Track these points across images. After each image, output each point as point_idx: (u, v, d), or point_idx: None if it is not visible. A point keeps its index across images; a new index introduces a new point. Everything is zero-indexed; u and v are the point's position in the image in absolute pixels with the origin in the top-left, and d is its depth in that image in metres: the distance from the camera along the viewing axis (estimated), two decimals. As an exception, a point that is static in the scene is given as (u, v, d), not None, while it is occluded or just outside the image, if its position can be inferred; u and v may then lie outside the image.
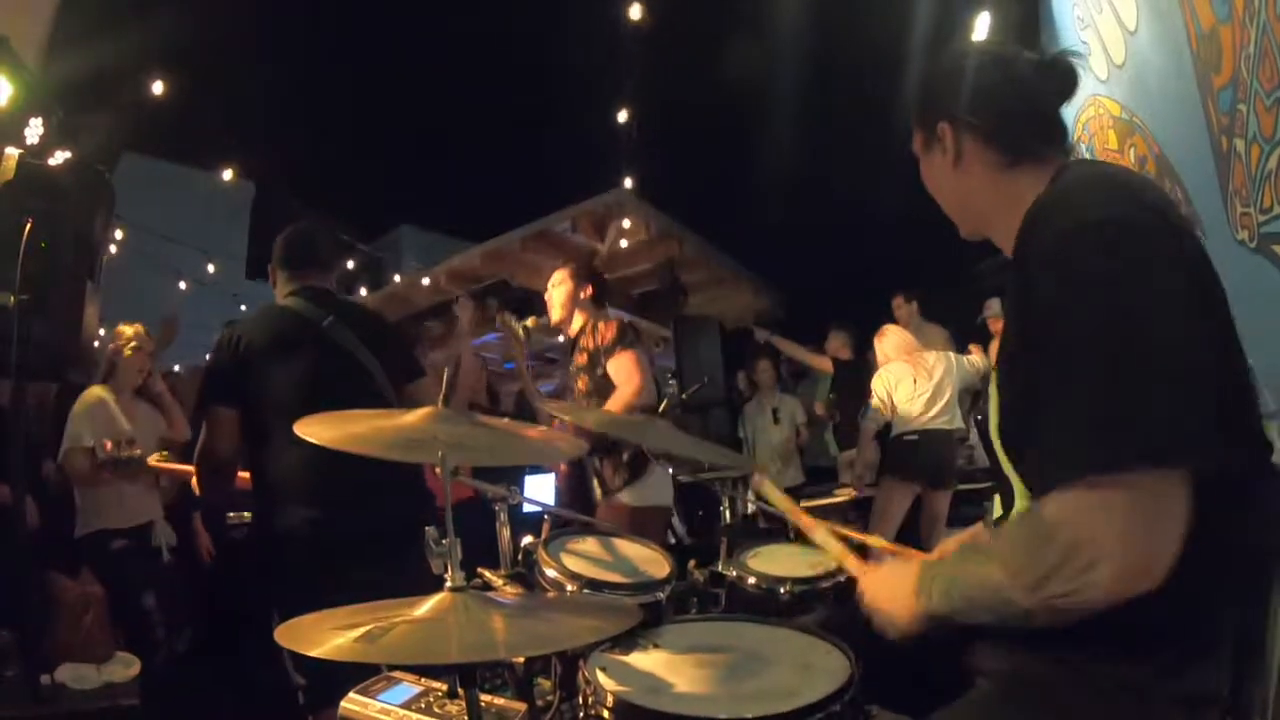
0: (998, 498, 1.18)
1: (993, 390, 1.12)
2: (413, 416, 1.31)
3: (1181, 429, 0.84)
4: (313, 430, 1.24)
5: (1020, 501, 1.09)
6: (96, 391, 3.34)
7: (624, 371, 2.94)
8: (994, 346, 5.02)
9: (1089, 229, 0.91)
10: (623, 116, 6.84)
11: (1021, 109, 1.12)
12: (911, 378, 4.37)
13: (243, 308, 12.04)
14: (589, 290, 3.21)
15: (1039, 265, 0.93)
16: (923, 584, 1.04)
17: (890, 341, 4.61)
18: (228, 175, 7.80)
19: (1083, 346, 0.87)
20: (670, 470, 3.16)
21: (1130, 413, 0.84)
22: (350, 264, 12.37)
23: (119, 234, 8.18)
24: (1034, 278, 0.93)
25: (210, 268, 12.25)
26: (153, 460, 3.20)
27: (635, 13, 5.38)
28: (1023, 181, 1.10)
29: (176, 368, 5.92)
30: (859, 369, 5.45)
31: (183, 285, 12.10)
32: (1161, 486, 0.83)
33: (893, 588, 1.11)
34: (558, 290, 3.24)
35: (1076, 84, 1.14)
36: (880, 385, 4.44)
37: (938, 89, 1.19)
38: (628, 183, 7.57)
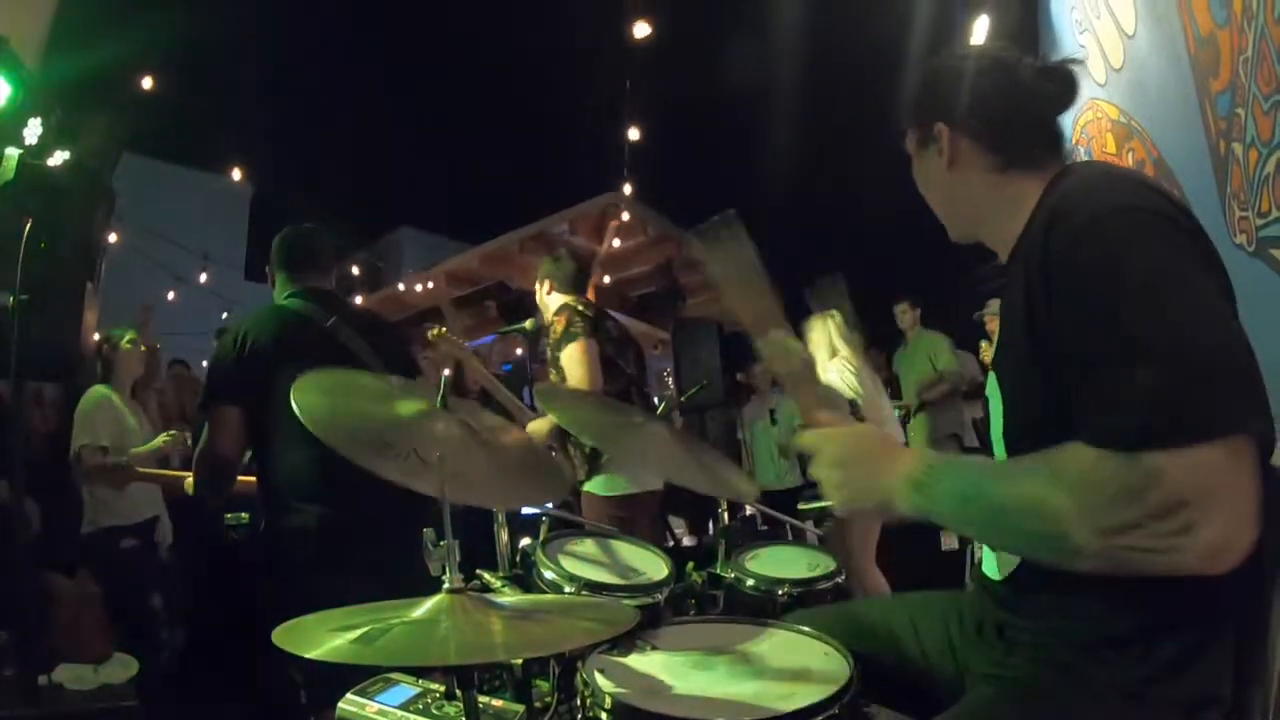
0: None
1: (991, 392, 1.12)
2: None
3: (1263, 400, 0.84)
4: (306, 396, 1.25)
5: None
6: (100, 390, 3.34)
7: (571, 364, 2.92)
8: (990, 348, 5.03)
9: (1124, 211, 0.90)
10: (621, 119, 6.86)
11: (1020, 114, 1.12)
12: (870, 381, 4.21)
13: (227, 313, 12.06)
14: (548, 286, 3.22)
15: (1071, 248, 0.91)
16: (926, 474, 0.96)
17: (834, 332, 4.31)
18: (227, 176, 7.81)
19: (1146, 319, 0.84)
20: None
21: (1235, 380, 0.83)
22: (355, 269, 12.41)
23: (118, 235, 8.19)
24: (1063, 263, 0.92)
25: (208, 269, 12.27)
26: (144, 470, 3.20)
27: (635, 16, 5.39)
28: (1016, 186, 1.10)
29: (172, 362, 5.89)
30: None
31: (174, 293, 12.10)
32: (1251, 456, 0.81)
33: (875, 458, 1.03)
34: (539, 294, 3.30)
35: (1076, 92, 1.13)
36: (851, 379, 4.14)
37: (936, 89, 1.18)
38: (626, 185, 7.58)
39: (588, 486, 2.97)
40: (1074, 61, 1.14)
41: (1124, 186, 0.95)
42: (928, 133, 1.18)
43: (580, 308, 3.05)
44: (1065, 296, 0.91)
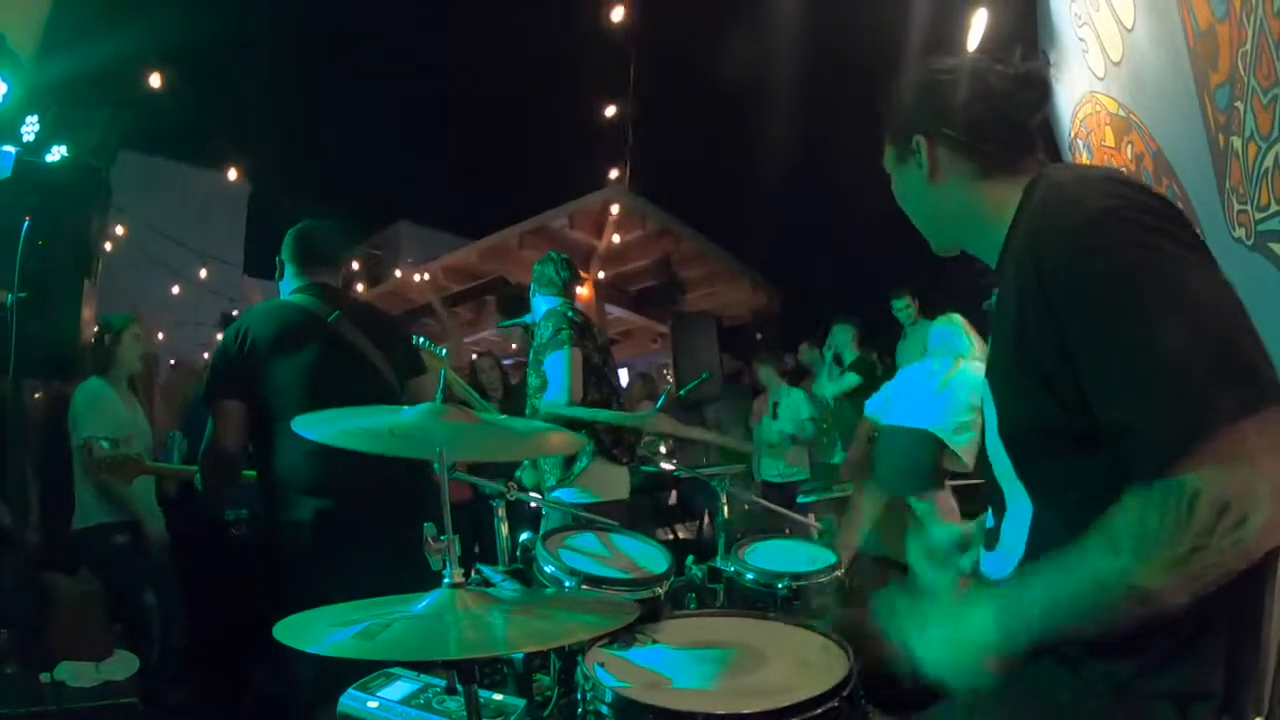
0: (991, 508, 1.18)
1: (985, 398, 1.12)
2: (411, 413, 1.31)
3: (1270, 368, 0.85)
4: (311, 427, 1.25)
5: (1018, 506, 1.08)
6: (96, 382, 3.32)
7: (555, 371, 2.92)
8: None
9: (1107, 215, 0.91)
10: (620, 112, 6.84)
11: (995, 120, 1.13)
12: None
13: (235, 312, 12.02)
14: (535, 288, 3.25)
15: (1065, 257, 0.93)
16: (1009, 618, 0.96)
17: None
18: (225, 173, 7.79)
19: (1152, 316, 0.86)
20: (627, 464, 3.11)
21: (1231, 361, 0.84)
22: (355, 264, 12.39)
23: (116, 231, 8.17)
24: (1058, 272, 0.93)
25: (206, 265, 12.25)
26: (151, 464, 3.17)
27: (632, 9, 5.39)
28: (998, 191, 1.11)
29: (172, 362, 5.91)
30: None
31: (177, 288, 12.09)
32: (1275, 421, 0.82)
33: (955, 638, 1.01)
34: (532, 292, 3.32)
35: (1050, 95, 1.16)
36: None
37: (912, 103, 1.20)
38: (625, 179, 7.56)
39: (557, 493, 2.95)
40: (1045, 64, 1.15)
41: (1099, 187, 0.96)
42: (906, 147, 1.20)
43: (569, 314, 3.05)
44: (1061, 309, 0.93)
